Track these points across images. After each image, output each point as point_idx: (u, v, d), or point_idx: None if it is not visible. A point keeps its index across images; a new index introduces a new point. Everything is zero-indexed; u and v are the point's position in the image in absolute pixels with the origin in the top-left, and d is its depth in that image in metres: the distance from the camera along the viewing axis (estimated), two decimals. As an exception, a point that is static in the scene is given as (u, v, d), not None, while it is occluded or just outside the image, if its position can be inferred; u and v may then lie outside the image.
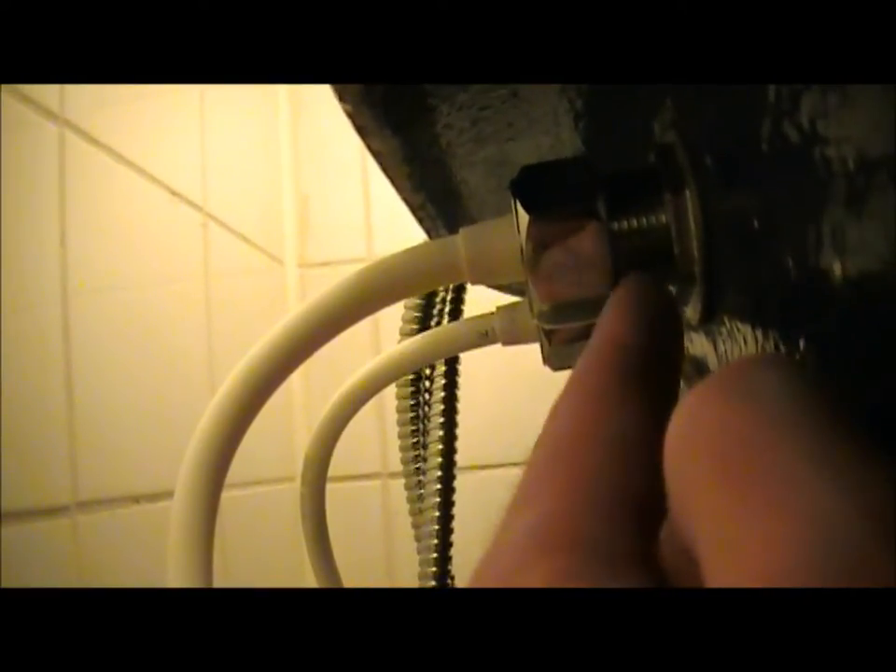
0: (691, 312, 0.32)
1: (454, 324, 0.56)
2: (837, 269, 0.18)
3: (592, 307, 0.30)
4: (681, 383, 0.35)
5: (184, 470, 0.33)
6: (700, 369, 0.35)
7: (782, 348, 0.24)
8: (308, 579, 1.22)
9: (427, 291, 0.58)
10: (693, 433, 0.18)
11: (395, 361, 0.50)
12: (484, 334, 0.47)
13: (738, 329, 0.28)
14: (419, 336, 0.50)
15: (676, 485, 0.18)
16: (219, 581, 0.32)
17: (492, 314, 0.47)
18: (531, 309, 0.30)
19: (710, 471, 0.17)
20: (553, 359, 0.46)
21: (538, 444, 0.22)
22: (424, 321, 0.61)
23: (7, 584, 0.61)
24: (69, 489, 0.71)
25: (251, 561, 1.10)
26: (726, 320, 0.30)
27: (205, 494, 0.32)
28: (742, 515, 0.16)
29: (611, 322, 0.25)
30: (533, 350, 0.48)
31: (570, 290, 0.30)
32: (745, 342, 0.28)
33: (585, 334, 0.45)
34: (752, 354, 0.20)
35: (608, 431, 0.21)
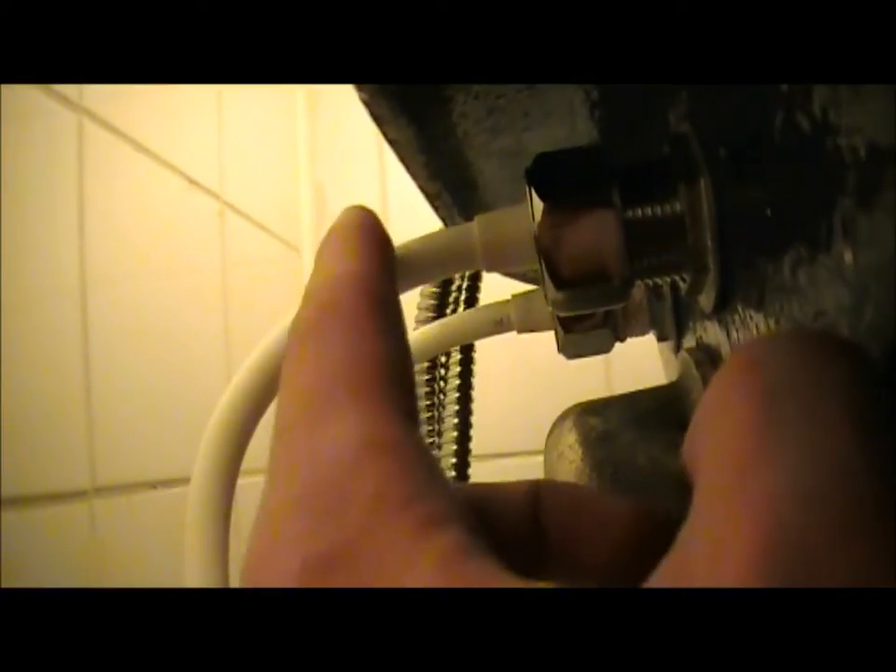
0: (704, 300, 0.32)
1: (468, 312, 0.56)
2: (849, 258, 0.19)
3: (605, 295, 0.30)
4: (693, 366, 0.35)
5: (201, 456, 0.33)
6: (713, 357, 0.35)
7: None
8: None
9: (442, 278, 0.58)
10: (713, 421, 0.18)
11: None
12: (499, 322, 0.47)
13: (751, 318, 0.29)
14: (434, 324, 0.50)
15: (693, 458, 0.19)
16: (235, 567, 0.33)
17: (507, 302, 0.47)
18: (545, 296, 0.31)
19: (721, 463, 0.17)
20: (568, 348, 0.47)
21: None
22: (439, 309, 0.61)
23: (24, 569, 0.62)
24: (87, 475, 0.72)
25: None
26: (740, 308, 0.30)
27: (222, 479, 0.33)
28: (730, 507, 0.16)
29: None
30: (548, 339, 0.49)
31: (584, 278, 0.30)
32: (757, 330, 0.28)
33: (599, 323, 0.45)
34: (758, 337, 0.20)
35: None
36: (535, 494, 0.26)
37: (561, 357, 0.45)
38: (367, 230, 0.26)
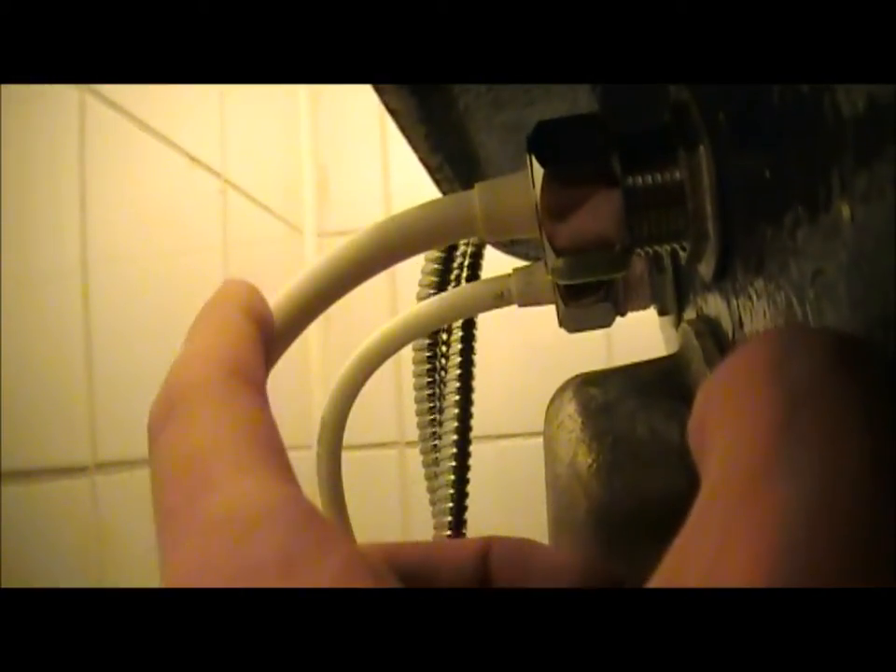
0: (704, 268, 0.32)
1: (469, 285, 0.56)
2: (846, 214, 0.19)
3: (606, 263, 0.30)
4: (693, 336, 0.35)
5: None
6: (713, 328, 0.35)
7: (794, 302, 0.24)
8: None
9: (441, 246, 0.58)
10: (725, 419, 0.18)
11: (411, 323, 0.50)
12: (500, 295, 0.47)
13: (751, 284, 0.29)
14: (435, 298, 0.50)
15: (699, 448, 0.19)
16: None
17: (508, 275, 0.47)
18: (546, 265, 0.31)
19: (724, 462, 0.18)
20: (569, 321, 0.47)
21: None
22: (441, 286, 0.61)
23: (26, 543, 0.62)
24: (88, 450, 0.72)
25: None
26: (739, 276, 0.30)
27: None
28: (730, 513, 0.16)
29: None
30: (549, 320, 0.49)
31: (584, 246, 0.30)
32: (757, 297, 0.28)
33: (600, 295, 0.45)
34: (780, 330, 0.20)
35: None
36: (484, 549, 0.27)
37: (563, 339, 0.45)
38: (239, 305, 0.27)
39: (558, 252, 0.30)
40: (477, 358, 0.66)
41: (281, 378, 1.16)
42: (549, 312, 0.49)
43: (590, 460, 0.34)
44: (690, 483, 0.33)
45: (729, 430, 0.18)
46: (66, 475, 0.69)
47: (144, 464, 0.79)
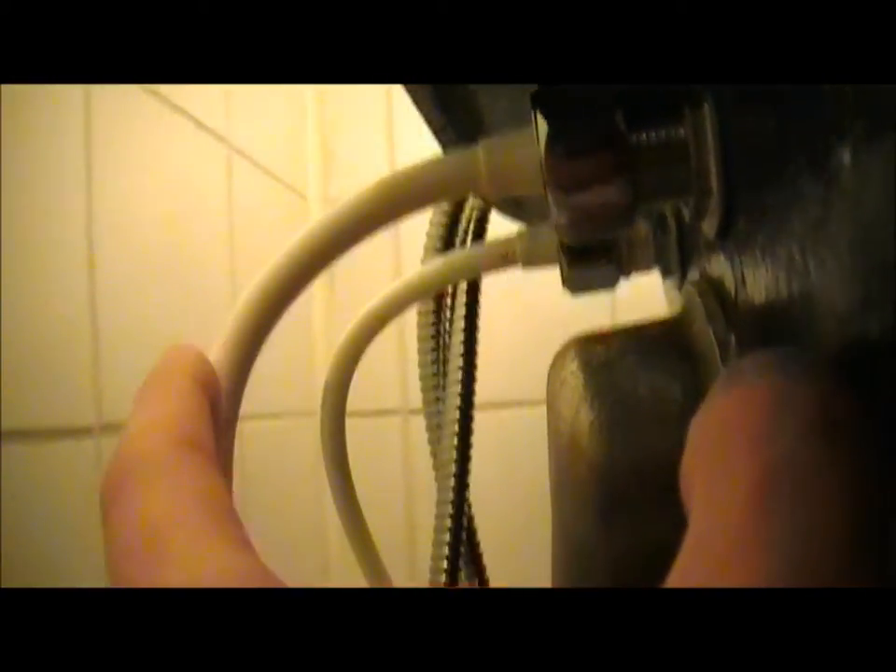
0: (707, 226, 0.32)
1: (474, 246, 0.56)
2: (847, 160, 0.19)
3: (610, 219, 0.30)
4: (696, 295, 0.35)
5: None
6: (716, 288, 0.35)
7: (796, 253, 0.24)
8: (327, 513, 1.24)
9: (445, 200, 0.58)
10: (711, 468, 0.19)
11: (414, 284, 0.50)
12: (504, 256, 0.47)
13: (754, 240, 0.29)
14: (439, 259, 0.50)
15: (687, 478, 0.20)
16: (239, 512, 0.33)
17: (513, 236, 0.47)
18: (550, 220, 0.31)
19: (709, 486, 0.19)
20: (572, 282, 0.47)
21: None
22: (446, 248, 0.61)
23: (31, 503, 0.62)
24: (93, 412, 0.72)
25: (271, 493, 1.11)
26: (742, 233, 0.30)
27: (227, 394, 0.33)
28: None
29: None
30: (554, 291, 0.49)
31: (589, 202, 0.30)
32: (760, 252, 0.28)
33: (603, 256, 0.45)
34: (771, 381, 0.21)
35: None
36: None
37: (567, 309, 0.46)
38: (186, 372, 0.27)
39: (562, 209, 0.30)
40: (481, 327, 0.66)
41: (284, 344, 1.16)
42: (554, 281, 0.49)
43: (591, 417, 0.35)
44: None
45: (715, 489, 0.19)
46: (71, 436, 0.69)
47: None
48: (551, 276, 0.48)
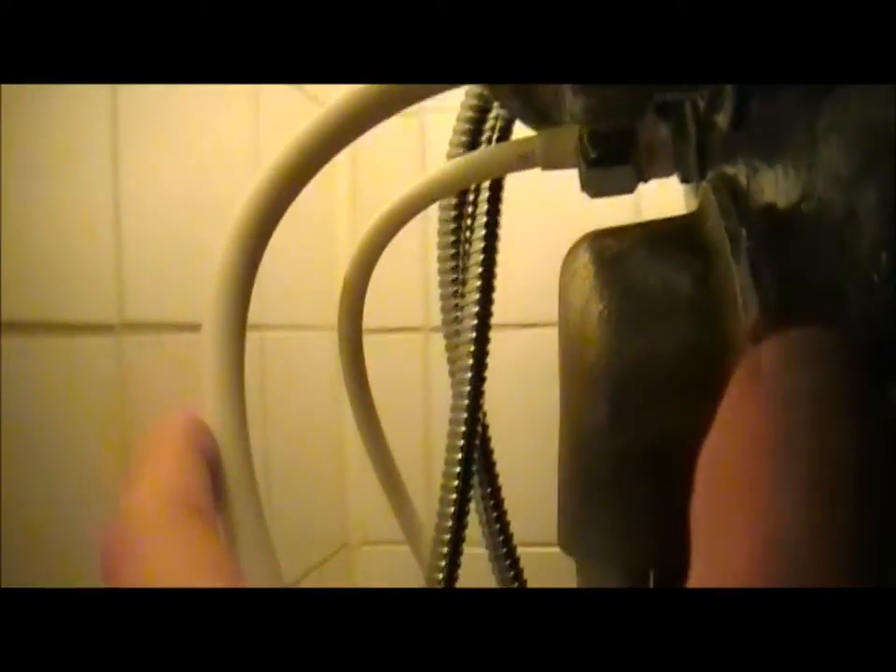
0: (722, 118, 0.32)
1: (494, 146, 0.56)
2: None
3: (626, 105, 0.30)
4: (711, 191, 0.35)
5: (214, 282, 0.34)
6: (731, 184, 0.35)
7: (807, 144, 0.24)
8: (345, 425, 1.25)
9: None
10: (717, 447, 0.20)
11: (434, 181, 0.50)
12: (524, 156, 0.47)
13: (770, 136, 0.29)
14: (460, 157, 0.50)
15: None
16: (258, 425, 0.33)
17: (533, 137, 0.48)
18: (565, 104, 0.31)
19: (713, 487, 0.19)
20: (590, 184, 0.47)
21: None
22: (471, 146, 0.61)
23: (51, 395, 0.63)
24: (115, 309, 0.73)
25: (292, 407, 1.12)
26: (756, 126, 0.30)
27: (233, 300, 0.34)
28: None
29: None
30: (577, 208, 0.48)
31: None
32: (772, 154, 0.28)
33: (621, 158, 0.45)
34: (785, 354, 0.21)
35: None
36: None
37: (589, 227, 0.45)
38: (184, 438, 0.28)
39: (577, 94, 0.30)
40: (501, 247, 0.66)
41: (307, 256, 1.17)
42: (578, 199, 0.49)
43: (601, 307, 0.35)
44: (697, 336, 0.34)
45: (714, 555, 0.19)
46: (92, 332, 0.70)
47: (171, 328, 0.80)
48: (578, 196, 0.48)
